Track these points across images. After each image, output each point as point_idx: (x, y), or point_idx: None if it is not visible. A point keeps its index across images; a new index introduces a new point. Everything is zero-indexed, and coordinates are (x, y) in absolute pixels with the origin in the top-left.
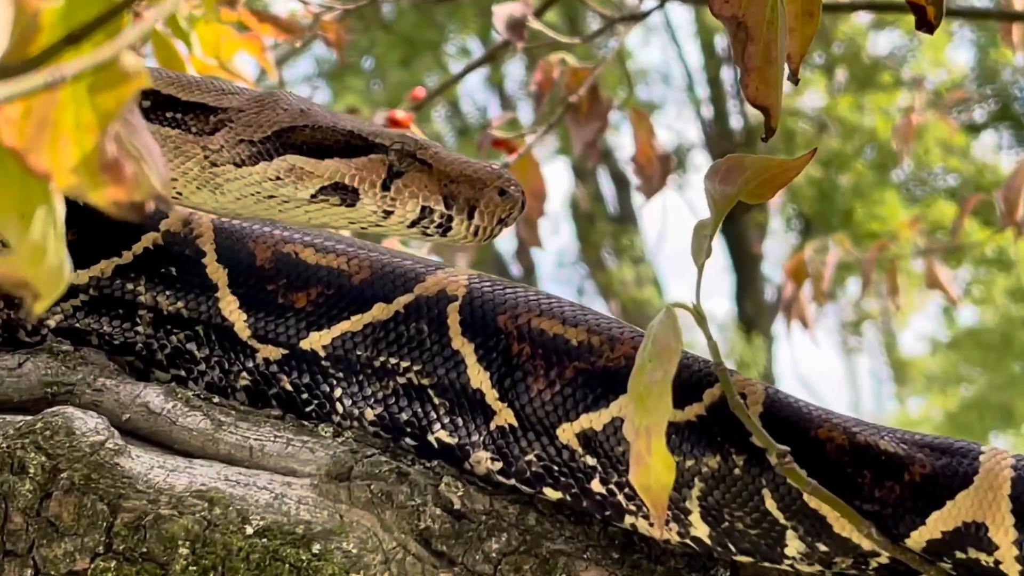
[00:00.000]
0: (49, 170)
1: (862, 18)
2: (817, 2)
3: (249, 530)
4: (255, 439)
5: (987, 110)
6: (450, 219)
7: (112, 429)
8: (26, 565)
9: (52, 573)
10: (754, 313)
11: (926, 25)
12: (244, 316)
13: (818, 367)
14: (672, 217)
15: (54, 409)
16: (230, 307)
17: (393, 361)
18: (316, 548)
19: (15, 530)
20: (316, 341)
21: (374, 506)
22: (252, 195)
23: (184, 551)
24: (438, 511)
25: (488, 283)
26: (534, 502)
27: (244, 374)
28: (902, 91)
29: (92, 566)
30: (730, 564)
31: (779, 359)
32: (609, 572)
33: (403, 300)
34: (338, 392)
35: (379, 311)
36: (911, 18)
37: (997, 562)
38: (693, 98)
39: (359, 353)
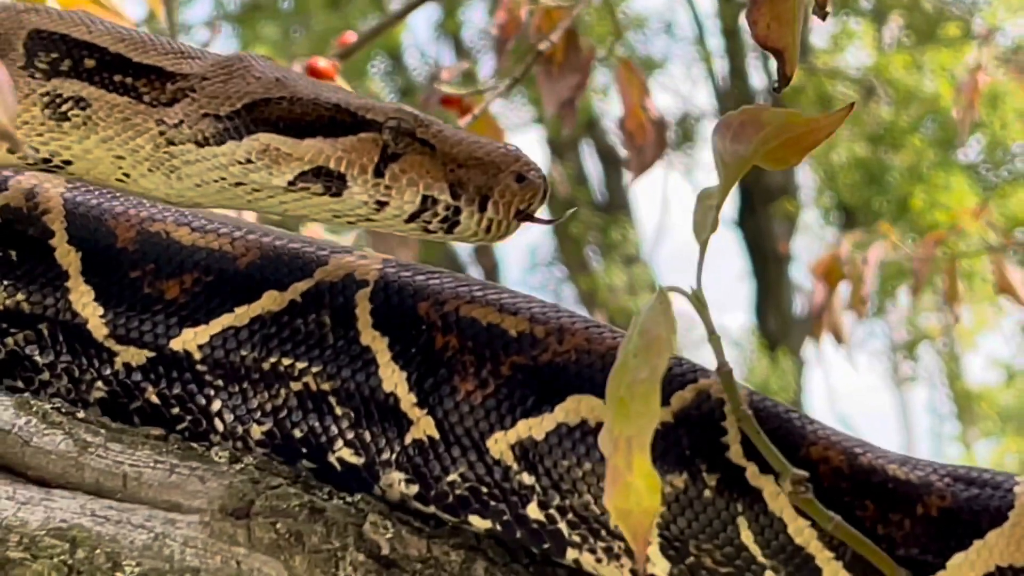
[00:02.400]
0: None
1: None
2: None
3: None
4: (130, 465)
5: None
6: (457, 211)
7: None
8: None
9: None
10: (779, 329)
11: None
12: (101, 311)
13: (862, 399)
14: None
15: None
16: (83, 300)
17: (287, 363)
18: None
19: None
20: (190, 340)
21: (280, 550)
22: (216, 181)
23: None
24: (361, 558)
25: (406, 267)
26: (483, 548)
27: (99, 383)
28: (972, 48)
29: None
30: None
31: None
32: None
33: (300, 287)
34: (217, 405)
35: (270, 301)
36: None
37: None
38: (704, 54)
39: (244, 354)
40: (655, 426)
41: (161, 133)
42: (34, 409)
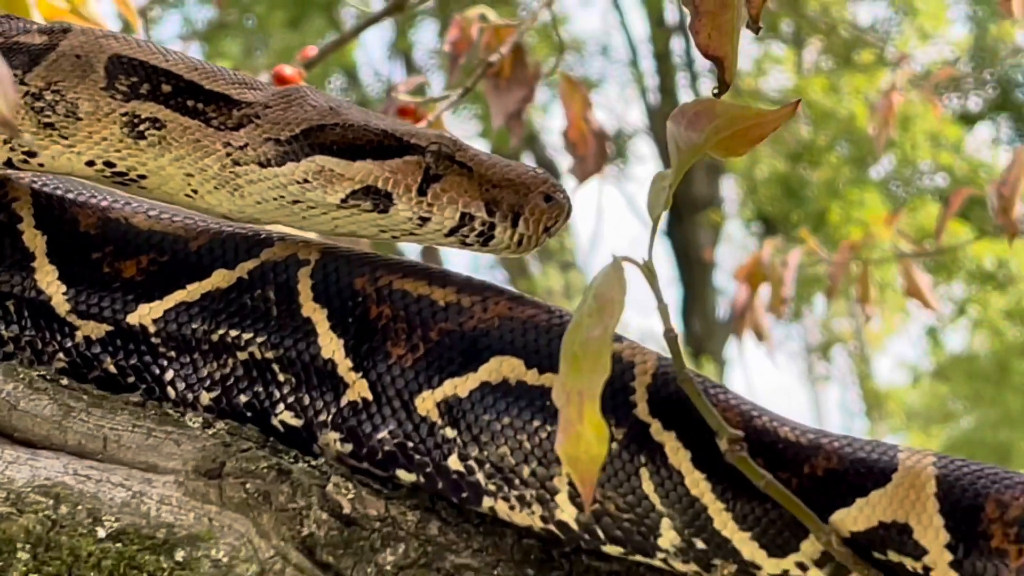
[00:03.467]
0: None
1: None
2: None
3: (101, 533)
4: (110, 428)
5: (984, 98)
6: (492, 227)
7: None
8: None
9: None
10: (704, 332)
11: None
12: (63, 289)
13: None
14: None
15: None
16: (48, 279)
17: (234, 334)
18: (180, 555)
19: None
20: (145, 315)
21: (249, 508)
22: (275, 199)
23: (24, 556)
24: (324, 516)
25: (345, 250)
26: (437, 508)
27: (60, 355)
28: (885, 72)
29: None
30: None
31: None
32: None
33: (247, 266)
34: (169, 374)
35: (219, 278)
36: None
37: (927, 568)
38: (637, 75)
39: (195, 327)
40: (604, 380)
41: (228, 154)
42: (21, 376)
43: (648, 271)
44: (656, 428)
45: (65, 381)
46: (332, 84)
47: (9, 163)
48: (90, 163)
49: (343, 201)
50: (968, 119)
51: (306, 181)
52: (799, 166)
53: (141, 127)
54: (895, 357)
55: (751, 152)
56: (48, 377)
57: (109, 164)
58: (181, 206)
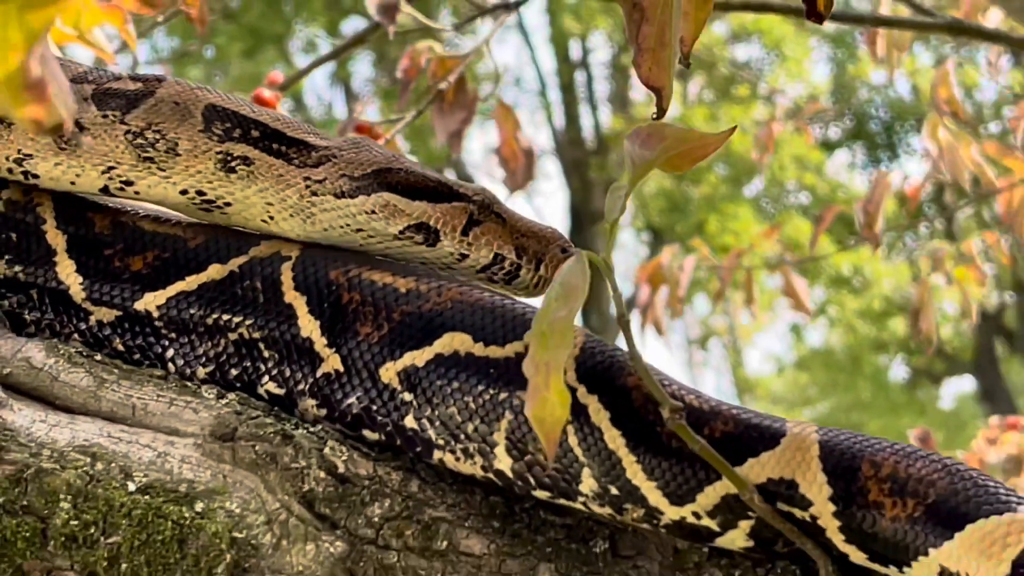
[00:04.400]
0: None
1: (719, 28)
2: None
3: (131, 486)
4: (138, 398)
5: (842, 128)
6: (519, 268)
7: None
8: None
9: None
10: (599, 325)
11: (816, 16)
12: (80, 280)
13: None
14: None
15: None
16: (67, 271)
17: (226, 318)
18: (199, 507)
19: None
20: (150, 302)
21: (258, 467)
22: (342, 227)
23: (66, 505)
24: (322, 474)
25: (321, 249)
26: (417, 470)
27: (75, 335)
28: (758, 105)
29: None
30: (608, 536)
31: None
32: (489, 541)
33: (238, 261)
34: (170, 352)
35: (214, 271)
36: (772, 30)
37: (814, 517)
38: (545, 103)
39: (192, 312)
40: (567, 354)
41: (307, 187)
42: (61, 352)
43: (606, 265)
44: (582, 392)
45: (99, 357)
46: (282, 106)
47: (105, 190)
48: (183, 192)
49: (400, 232)
50: (829, 146)
51: (373, 212)
52: (683, 184)
53: (233, 163)
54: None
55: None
56: (84, 353)
57: (200, 193)
58: (253, 230)
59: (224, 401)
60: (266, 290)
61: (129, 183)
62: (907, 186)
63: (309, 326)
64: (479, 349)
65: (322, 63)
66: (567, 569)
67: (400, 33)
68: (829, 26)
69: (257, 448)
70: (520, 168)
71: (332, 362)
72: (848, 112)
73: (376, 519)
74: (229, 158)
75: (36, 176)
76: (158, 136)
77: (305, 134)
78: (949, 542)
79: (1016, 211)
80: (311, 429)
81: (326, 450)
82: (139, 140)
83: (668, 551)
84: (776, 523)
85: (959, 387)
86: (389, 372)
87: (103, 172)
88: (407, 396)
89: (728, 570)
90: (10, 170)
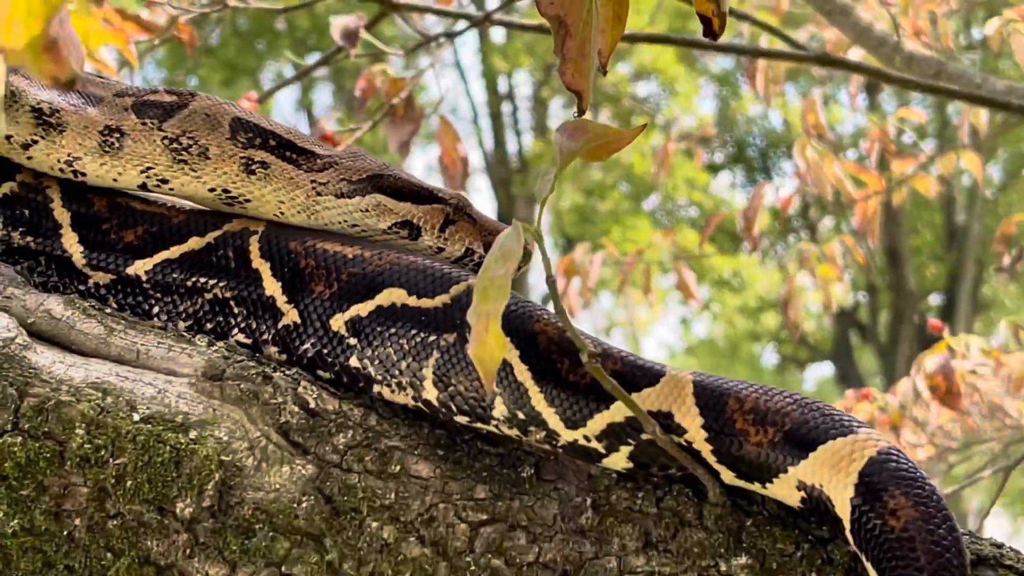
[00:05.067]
0: (2, 47)
1: (623, 68)
2: (625, 9)
3: (136, 417)
4: (141, 344)
5: (725, 153)
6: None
7: (21, 328)
8: None
9: None
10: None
11: (711, 34)
12: (81, 249)
13: None
14: None
15: None
16: (70, 242)
17: (203, 280)
18: (192, 434)
19: None
20: (140, 267)
21: (242, 403)
22: (340, 222)
23: (80, 432)
24: (296, 409)
25: (282, 226)
26: (375, 407)
27: (75, 296)
28: (656, 133)
29: (1, 440)
30: (534, 464)
31: None
32: (435, 466)
33: (214, 234)
34: (156, 309)
35: (194, 243)
36: (667, 70)
37: (688, 442)
38: (477, 129)
39: (175, 276)
40: (504, 304)
41: (313, 188)
42: (77, 305)
43: (537, 235)
44: None
45: (108, 310)
46: None
47: (143, 186)
48: (211, 190)
49: (388, 228)
50: (714, 168)
51: (367, 211)
52: (591, 199)
53: (253, 167)
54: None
55: (557, 188)
56: (96, 307)
57: (226, 191)
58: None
59: (214, 348)
60: (236, 258)
61: (164, 181)
62: (779, 198)
63: (272, 287)
64: (412, 301)
65: (289, 83)
66: (499, 490)
67: (358, 58)
68: (715, 67)
69: (242, 387)
70: (458, 173)
71: (291, 315)
72: (730, 140)
73: (341, 447)
74: (250, 162)
75: (84, 174)
76: (191, 142)
77: (312, 144)
78: (804, 460)
79: (870, 220)
80: (287, 372)
81: (299, 389)
82: (175, 145)
83: (583, 476)
84: (672, 450)
85: (820, 372)
86: (338, 322)
87: (142, 171)
88: (352, 341)
89: (632, 492)
90: (61, 170)
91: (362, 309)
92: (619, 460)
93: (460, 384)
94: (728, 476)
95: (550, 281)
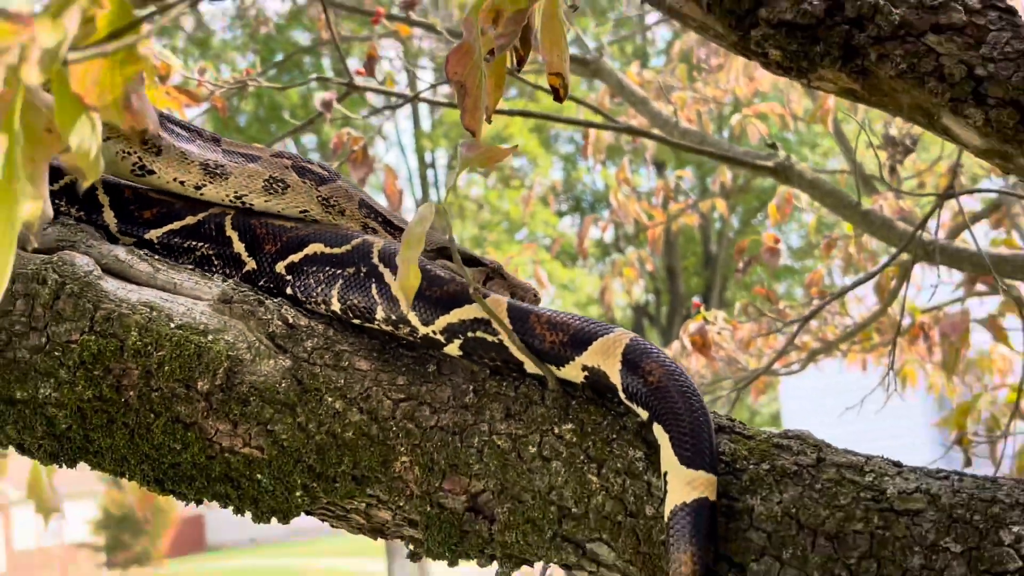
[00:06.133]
0: (96, 106)
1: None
2: (502, 80)
3: (172, 325)
4: (177, 279)
5: (568, 204)
6: None
7: (96, 265)
8: (42, 336)
9: (56, 342)
10: None
11: (558, 98)
12: (116, 221)
13: None
14: None
15: (63, 252)
16: (108, 216)
17: (194, 243)
18: (210, 337)
19: (38, 315)
20: (153, 235)
21: (244, 318)
22: None
23: (134, 334)
24: (279, 323)
25: (250, 213)
26: (333, 324)
27: None
28: (524, 190)
29: (81, 339)
30: (436, 363)
31: None
32: (371, 363)
33: (202, 215)
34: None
35: (189, 220)
36: (529, 148)
37: (500, 340)
38: (411, 186)
39: (176, 240)
40: (420, 251)
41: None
42: (135, 253)
43: (443, 209)
44: (381, 267)
45: (157, 257)
46: None
47: (300, 219)
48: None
49: None
50: (561, 213)
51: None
52: (484, 231)
53: (367, 230)
54: None
55: (460, 221)
56: (148, 254)
57: (302, 211)
58: None
59: (226, 283)
60: (216, 230)
61: (315, 221)
62: (600, 226)
63: (239, 247)
64: (327, 250)
65: (282, 139)
66: (412, 379)
67: (332, 121)
68: (561, 148)
69: (244, 307)
70: (396, 199)
71: (251, 264)
72: (571, 195)
73: (308, 348)
74: (366, 227)
75: (252, 205)
76: (336, 203)
77: (401, 223)
78: (585, 351)
79: (656, 241)
80: (276, 300)
81: (283, 310)
82: (325, 202)
83: (468, 372)
84: (517, 344)
85: None
86: (280, 267)
87: (300, 212)
88: (288, 277)
89: (499, 382)
90: (231, 202)
91: (295, 257)
92: (454, 349)
93: (354, 299)
94: (532, 364)
95: (450, 238)
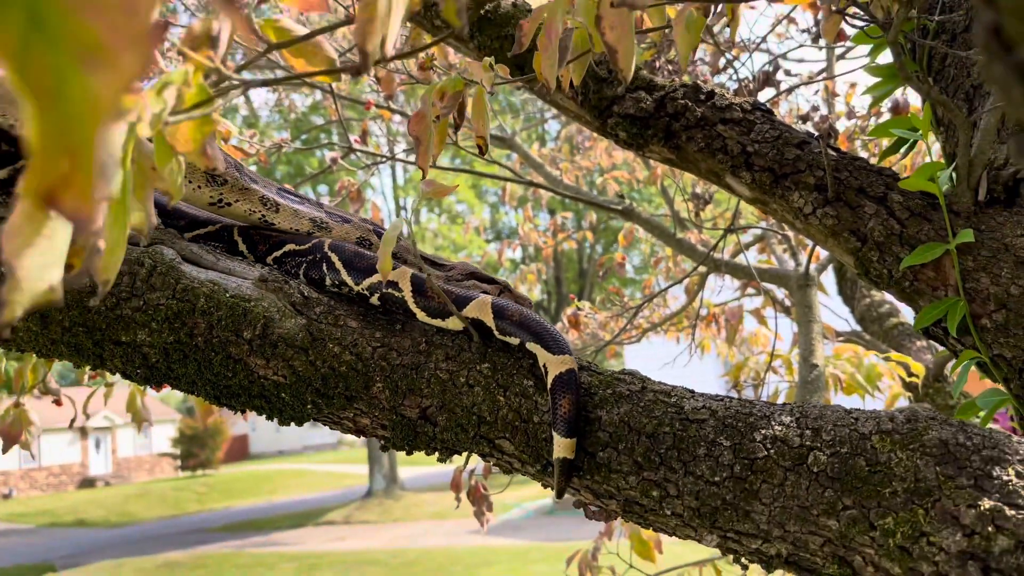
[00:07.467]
0: (183, 151)
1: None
2: (443, 136)
3: (227, 294)
4: (232, 265)
5: (492, 233)
6: None
7: (177, 255)
8: (140, 300)
9: (150, 304)
10: None
11: (482, 153)
12: (159, 222)
13: None
14: None
15: (155, 245)
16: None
17: (213, 245)
18: (252, 303)
19: (138, 287)
20: (188, 237)
21: (275, 292)
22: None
23: (202, 299)
24: (298, 296)
25: (249, 225)
26: (332, 298)
27: None
28: (463, 224)
29: (166, 303)
30: (402, 322)
31: None
32: (358, 322)
33: (218, 225)
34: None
35: (211, 228)
36: (469, 200)
37: (404, 299)
38: (389, 221)
39: (201, 241)
40: (392, 248)
41: (448, 277)
42: (204, 247)
43: (408, 222)
44: (330, 253)
45: (218, 250)
46: None
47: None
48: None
49: None
50: (488, 241)
51: (468, 288)
52: (437, 251)
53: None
54: None
55: (421, 244)
56: (213, 246)
57: (320, 226)
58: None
59: (264, 269)
60: (227, 235)
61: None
62: (512, 248)
63: (241, 246)
64: (297, 248)
65: (304, 182)
66: (385, 333)
67: (338, 170)
68: (488, 198)
69: (275, 284)
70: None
71: (250, 259)
72: (495, 228)
73: (318, 312)
74: (398, 256)
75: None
76: (399, 255)
77: (444, 261)
78: (465, 308)
79: (548, 258)
80: (294, 282)
81: (302, 287)
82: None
83: (424, 330)
84: (439, 296)
85: None
86: (271, 258)
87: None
88: (275, 267)
89: (442, 335)
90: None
91: (277, 253)
92: (375, 301)
93: (313, 274)
94: (422, 316)
95: (410, 235)
